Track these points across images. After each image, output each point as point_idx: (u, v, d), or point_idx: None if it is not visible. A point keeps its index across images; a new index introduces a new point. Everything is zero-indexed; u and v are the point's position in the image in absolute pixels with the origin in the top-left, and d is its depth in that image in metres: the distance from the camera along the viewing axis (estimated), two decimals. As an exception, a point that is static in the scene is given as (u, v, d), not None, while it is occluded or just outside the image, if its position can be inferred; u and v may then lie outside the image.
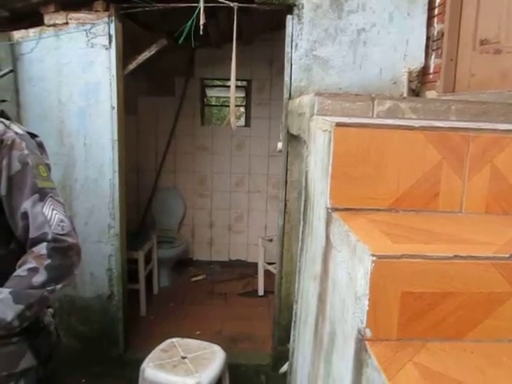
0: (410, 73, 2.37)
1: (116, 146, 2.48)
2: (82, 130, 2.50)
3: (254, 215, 4.40)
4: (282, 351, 2.55)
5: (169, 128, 4.25)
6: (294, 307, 1.67)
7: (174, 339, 2.21)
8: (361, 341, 0.79)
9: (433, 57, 2.34)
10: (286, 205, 2.45)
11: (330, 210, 1.08)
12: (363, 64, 2.33)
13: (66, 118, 2.50)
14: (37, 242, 1.02)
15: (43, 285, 1.00)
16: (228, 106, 5.39)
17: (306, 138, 1.58)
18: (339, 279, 0.97)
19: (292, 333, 1.72)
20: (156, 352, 2.10)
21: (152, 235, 3.59)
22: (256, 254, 3.97)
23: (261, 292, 3.76)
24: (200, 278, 4.11)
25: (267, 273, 3.72)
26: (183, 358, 2.05)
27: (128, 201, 2.67)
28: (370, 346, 0.77)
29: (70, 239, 1.05)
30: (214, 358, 2.07)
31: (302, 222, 1.58)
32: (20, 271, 1.00)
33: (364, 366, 0.77)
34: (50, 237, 1.02)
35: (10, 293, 0.97)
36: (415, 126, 1.08)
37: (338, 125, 1.07)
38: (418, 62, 2.35)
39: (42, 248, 1.01)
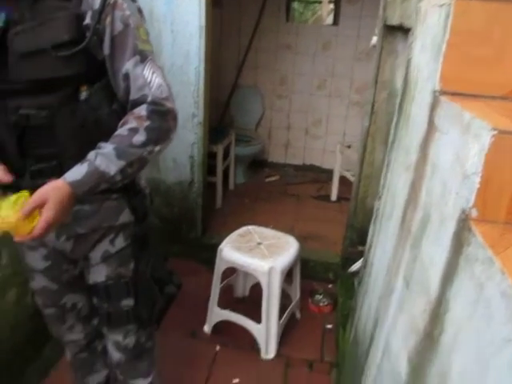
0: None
1: (203, 33, 2.42)
2: (169, 15, 2.46)
3: (333, 120, 4.27)
4: (352, 252, 2.58)
5: (252, 24, 4.09)
6: (376, 203, 1.64)
7: (250, 227, 2.29)
8: (464, 221, 0.76)
9: None
10: (373, 106, 2.33)
11: (437, 94, 1.00)
12: None
13: (153, 2, 2.45)
14: (137, 103, 1.04)
15: (143, 145, 1.03)
16: (315, 3, 5.08)
17: (411, 23, 1.44)
18: (441, 163, 0.91)
19: (371, 228, 1.72)
20: (233, 236, 2.20)
21: (231, 132, 3.62)
22: (331, 161, 3.93)
23: (334, 197, 3.76)
24: (274, 178, 4.16)
25: (342, 179, 3.69)
26: (259, 243, 2.14)
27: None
28: (474, 226, 0.73)
29: (168, 104, 1.06)
30: (288, 247, 2.14)
31: (396, 115, 1.50)
32: (121, 130, 1.04)
33: (465, 245, 0.74)
34: (149, 99, 1.04)
35: (114, 149, 1.01)
36: (552, 3, 0.94)
37: (460, -4, 0.95)
38: None
39: (142, 109, 1.03)
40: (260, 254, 2.05)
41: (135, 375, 1.44)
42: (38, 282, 1.31)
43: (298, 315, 2.38)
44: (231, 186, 3.81)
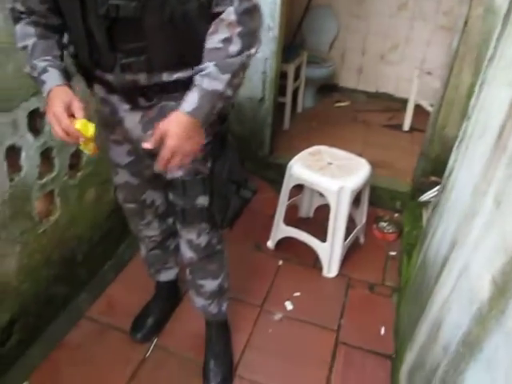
0: None
1: None
2: None
3: (413, 46, 3.96)
4: (423, 183, 2.49)
5: None
6: (464, 125, 1.54)
7: (321, 146, 2.25)
8: None
9: None
10: (465, 23, 2.12)
11: None
12: None
13: None
14: None
15: (239, 52, 1.03)
16: None
17: None
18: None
19: (453, 153, 1.63)
20: (303, 154, 2.17)
21: (302, 52, 3.48)
22: (406, 90, 3.69)
23: (406, 127, 3.58)
24: (344, 104, 4.01)
25: (416, 109, 3.49)
26: (329, 163, 2.10)
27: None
28: None
29: None
30: (359, 169, 2.09)
31: (499, 28, 1.36)
32: (214, 43, 1.03)
33: None
34: None
35: (215, 65, 1.01)
36: None
37: None
38: None
39: (231, 14, 1.01)
40: (330, 173, 2.02)
41: (204, 275, 1.50)
42: (121, 177, 1.37)
43: (362, 240, 2.37)
44: (299, 108, 3.72)
